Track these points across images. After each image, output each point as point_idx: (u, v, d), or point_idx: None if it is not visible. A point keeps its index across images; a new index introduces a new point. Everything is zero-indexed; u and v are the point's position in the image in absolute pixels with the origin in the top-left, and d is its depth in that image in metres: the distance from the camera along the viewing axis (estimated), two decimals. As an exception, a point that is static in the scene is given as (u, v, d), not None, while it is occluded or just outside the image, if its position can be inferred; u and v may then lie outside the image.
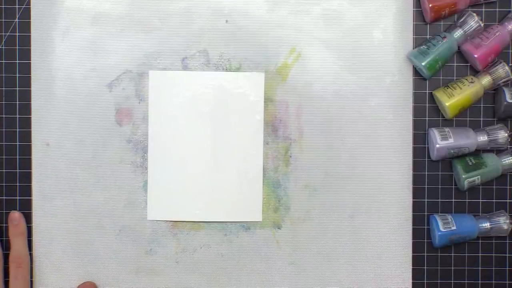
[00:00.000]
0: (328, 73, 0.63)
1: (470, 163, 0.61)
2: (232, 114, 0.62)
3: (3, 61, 0.63)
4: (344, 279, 0.63)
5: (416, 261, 0.63)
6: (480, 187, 0.63)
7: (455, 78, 0.63)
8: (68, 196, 0.63)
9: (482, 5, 0.63)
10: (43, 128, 0.63)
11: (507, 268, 0.63)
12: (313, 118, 0.63)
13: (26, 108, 0.63)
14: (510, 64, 0.63)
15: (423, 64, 0.60)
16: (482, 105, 0.63)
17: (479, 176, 0.60)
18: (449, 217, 0.61)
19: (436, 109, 0.63)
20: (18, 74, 0.63)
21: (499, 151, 0.62)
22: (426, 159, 0.63)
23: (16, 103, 0.63)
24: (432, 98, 0.63)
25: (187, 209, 0.62)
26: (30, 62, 0.63)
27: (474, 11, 0.61)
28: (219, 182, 0.62)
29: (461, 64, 0.63)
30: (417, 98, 0.63)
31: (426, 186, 0.63)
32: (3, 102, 0.63)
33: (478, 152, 0.62)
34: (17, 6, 0.63)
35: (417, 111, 0.63)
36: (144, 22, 0.63)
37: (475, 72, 0.62)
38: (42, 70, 0.63)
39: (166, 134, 0.62)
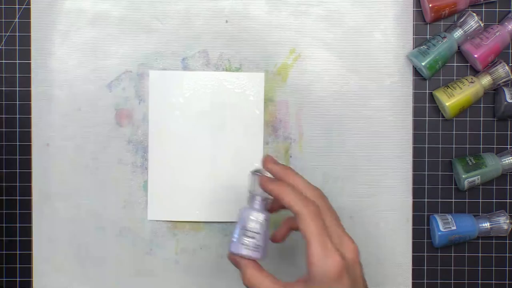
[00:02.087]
0: (328, 73, 0.63)
1: (470, 163, 0.61)
2: (232, 114, 0.62)
3: (3, 61, 0.63)
4: (344, 279, 0.62)
5: (416, 261, 0.63)
6: (480, 187, 0.63)
7: (455, 78, 0.63)
8: (68, 196, 0.63)
9: (482, 5, 0.63)
10: (43, 128, 0.63)
11: (507, 268, 0.63)
12: (313, 118, 0.63)
13: (26, 108, 0.63)
14: (510, 64, 0.63)
15: (423, 64, 0.60)
16: (482, 105, 0.63)
17: (479, 176, 0.60)
18: (449, 217, 0.61)
19: (436, 109, 0.63)
20: (18, 74, 0.63)
21: (499, 150, 0.62)
22: (426, 159, 0.63)
23: (16, 103, 0.63)
24: (432, 98, 0.63)
25: (187, 209, 0.62)
26: (30, 62, 0.63)
27: (474, 11, 0.61)
28: (219, 183, 0.62)
29: (461, 64, 0.63)
30: (417, 98, 0.63)
31: (426, 186, 0.63)
32: (3, 102, 0.63)
33: (478, 155, 0.62)
34: (17, 6, 0.63)
35: (417, 111, 0.63)
36: (144, 22, 0.63)
37: (475, 72, 0.62)
38: (42, 70, 0.63)
39: (166, 134, 0.62)
